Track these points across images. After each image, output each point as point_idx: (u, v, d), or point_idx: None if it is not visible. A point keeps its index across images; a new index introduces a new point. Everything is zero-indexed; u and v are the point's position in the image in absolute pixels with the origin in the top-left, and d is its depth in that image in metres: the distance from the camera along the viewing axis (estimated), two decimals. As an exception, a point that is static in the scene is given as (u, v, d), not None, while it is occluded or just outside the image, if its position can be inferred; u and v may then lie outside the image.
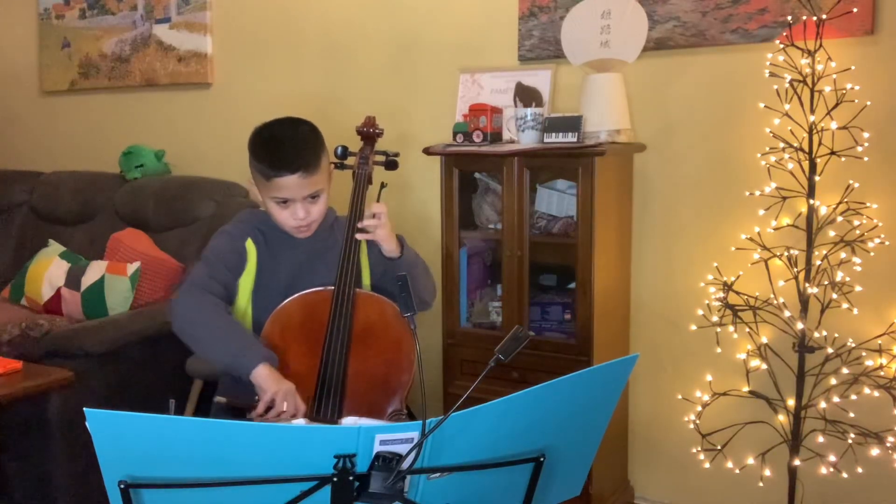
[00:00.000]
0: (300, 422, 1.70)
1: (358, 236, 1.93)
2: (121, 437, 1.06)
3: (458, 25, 3.07)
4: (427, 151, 2.72)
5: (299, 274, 1.98)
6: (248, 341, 1.83)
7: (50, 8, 4.26)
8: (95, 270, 3.18)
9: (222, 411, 1.86)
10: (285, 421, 1.73)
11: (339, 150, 2.14)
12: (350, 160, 2.13)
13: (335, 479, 1.10)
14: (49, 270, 3.28)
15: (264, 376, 1.76)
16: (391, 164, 2.18)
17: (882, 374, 2.32)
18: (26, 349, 2.71)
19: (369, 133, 2.17)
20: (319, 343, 1.87)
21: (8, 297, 3.44)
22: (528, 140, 2.59)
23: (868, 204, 2.37)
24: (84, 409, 1.03)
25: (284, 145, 1.90)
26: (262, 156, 1.91)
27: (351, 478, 1.11)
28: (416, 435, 1.11)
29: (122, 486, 1.09)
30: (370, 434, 1.10)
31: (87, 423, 1.03)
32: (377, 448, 1.11)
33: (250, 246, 1.98)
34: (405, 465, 1.12)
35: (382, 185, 2.12)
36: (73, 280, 3.20)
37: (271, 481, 1.10)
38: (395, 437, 1.11)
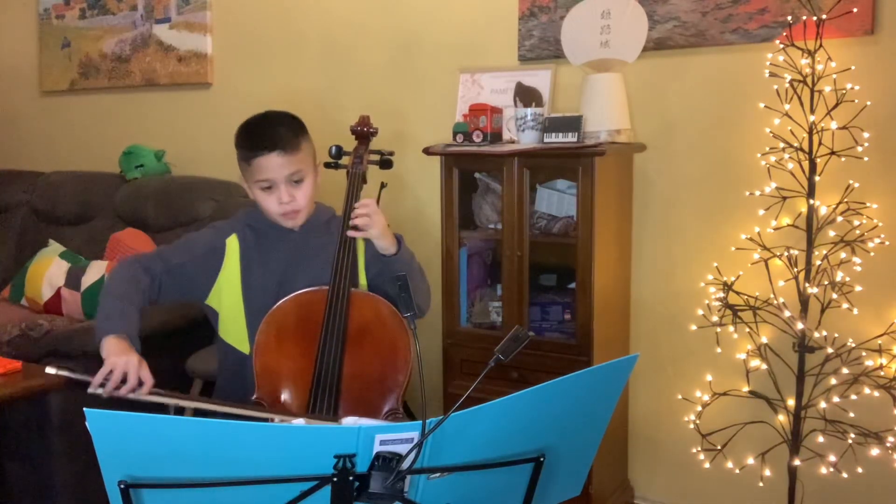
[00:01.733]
0: (300, 422, 1.70)
1: (349, 233, 1.93)
2: (121, 437, 1.06)
3: (458, 25, 3.07)
4: (427, 151, 2.72)
5: (291, 270, 1.98)
6: (116, 314, 1.81)
7: (50, 8, 4.26)
8: (95, 270, 3.18)
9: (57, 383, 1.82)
10: (128, 395, 1.71)
11: (334, 149, 2.14)
12: (345, 160, 2.14)
13: (335, 479, 1.10)
14: (49, 270, 3.28)
15: (108, 348, 1.74)
16: (385, 163, 2.18)
17: (882, 374, 2.32)
18: (26, 349, 2.71)
19: (363, 132, 2.17)
20: (314, 343, 1.87)
21: (8, 297, 3.44)
22: (528, 140, 2.59)
23: (868, 204, 2.37)
24: (84, 409, 1.03)
25: (261, 126, 1.98)
26: (242, 141, 1.98)
27: (351, 478, 1.11)
28: (416, 435, 1.11)
29: (122, 486, 1.09)
30: (370, 434, 1.10)
31: (87, 423, 1.03)
32: (377, 448, 1.11)
33: (232, 243, 1.99)
34: (405, 465, 1.12)
35: (382, 185, 2.12)
36: (73, 280, 3.20)
37: (271, 481, 1.10)
38: (395, 437, 1.11)
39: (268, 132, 1.95)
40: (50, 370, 1.71)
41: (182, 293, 2.00)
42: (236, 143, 1.99)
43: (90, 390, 1.71)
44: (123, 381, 1.70)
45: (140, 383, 1.72)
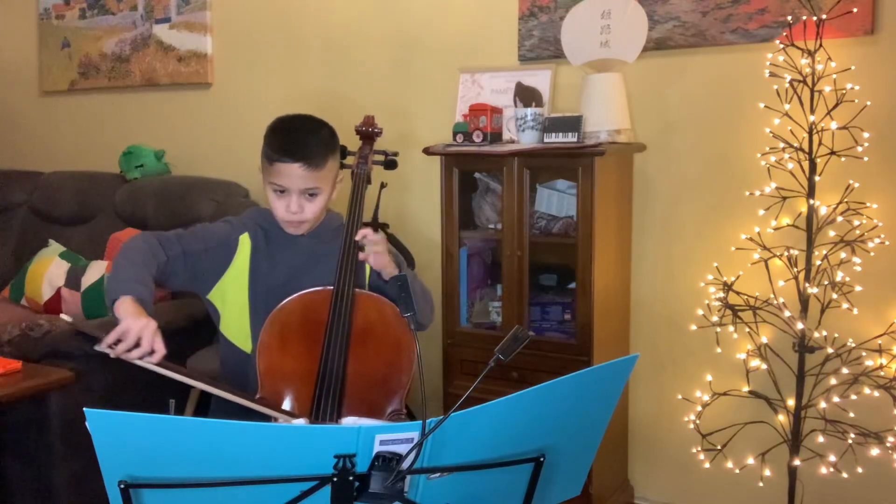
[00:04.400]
0: (300, 422, 1.70)
1: (361, 253, 1.93)
2: (121, 437, 1.06)
3: (458, 25, 3.07)
4: (427, 151, 2.72)
5: (298, 274, 1.98)
6: (132, 278, 1.77)
7: (50, 8, 4.26)
8: (95, 270, 3.18)
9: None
10: (137, 360, 1.65)
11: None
12: (349, 160, 2.13)
13: (335, 479, 1.10)
14: (49, 270, 3.28)
15: (125, 308, 1.69)
16: (390, 164, 2.18)
17: (882, 374, 2.32)
18: (26, 349, 2.71)
19: (368, 132, 2.17)
20: (319, 343, 1.87)
21: (8, 297, 3.44)
22: (528, 140, 2.59)
23: (868, 204, 2.37)
24: (84, 409, 1.03)
25: (296, 134, 1.93)
26: (271, 139, 1.93)
27: (351, 478, 1.11)
28: (416, 435, 1.11)
29: (122, 486, 1.09)
30: (370, 434, 1.10)
31: (87, 423, 1.03)
32: (377, 448, 1.11)
33: (244, 241, 1.98)
34: (405, 465, 1.12)
35: (382, 186, 2.12)
36: (73, 280, 3.20)
37: (271, 481, 1.10)
38: (395, 437, 1.11)
39: (298, 141, 1.90)
40: (65, 317, 1.68)
41: (189, 281, 1.96)
42: (265, 137, 1.95)
43: (98, 347, 1.65)
44: (136, 345, 1.64)
45: (151, 351, 1.66)
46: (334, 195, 2.02)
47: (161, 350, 1.67)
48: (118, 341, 1.64)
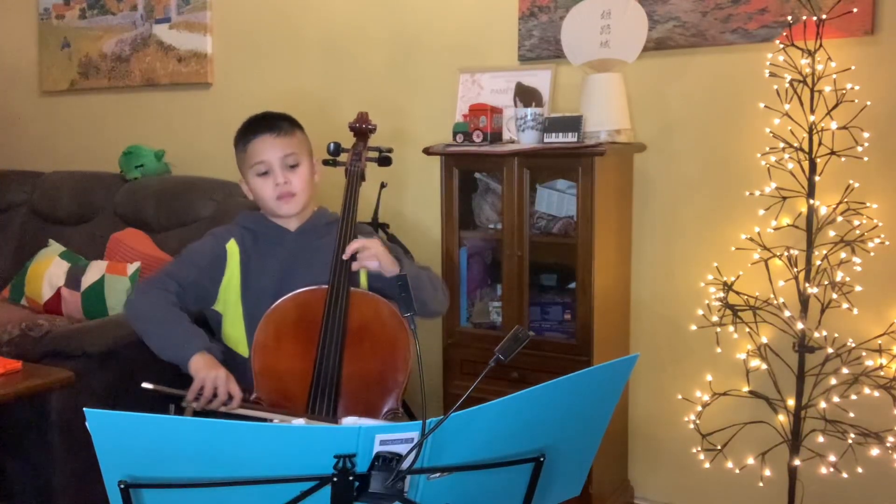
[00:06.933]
0: (300, 422, 1.70)
1: (355, 266, 1.93)
2: (121, 437, 1.06)
3: (458, 25, 3.07)
4: (427, 151, 2.72)
5: (290, 272, 1.98)
6: (188, 333, 1.87)
7: (50, 8, 4.26)
8: (95, 270, 3.17)
9: (150, 399, 1.85)
10: (219, 408, 1.77)
11: (332, 146, 2.14)
12: (343, 157, 2.14)
13: (335, 479, 1.10)
14: (49, 270, 3.28)
15: (196, 365, 1.80)
16: (384, 161, 2.18)
17: (882, 374, 2.32)
18: (26, 349, 2.71)
19: (362, 129, 2.17)
20: (314, 342, 1.87)
21: (8, 297, 3.44)
22: (528, 140, 2.59)
23: (868, 204, 2.37)
24: (84, 409, 1.03)
25: (257, 117, 2.06)
26: (239, 134, 2.04)
27: (351, 478, 1.11)
28: (416, 435, 1.11)
29: (122, 486, 1.09)
30: (370, 434, 1.10)
31: (87, 423, 1.03)
32: (377, 448, 1.11)
33: (232, 247, 2.00)
34: (405, 465, 1.12)
35: (382, 185, 2.12)
36: (73, 280, 3.20)
37: (271, 481, 1.10)
38: (395, 437, 1.11)
39: (263, 119, 2.03)
40: (146, 385, 1.75)
41: (197, 305, 2.03)
42: (235, 140, 2.03)
43: (183, 404, 1.78)
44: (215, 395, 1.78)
45: (230, 397, 1.79)
46: (317, 178, 2.05)
47: (238, 394, 1.80)
48: (199, 396, 1.77)
